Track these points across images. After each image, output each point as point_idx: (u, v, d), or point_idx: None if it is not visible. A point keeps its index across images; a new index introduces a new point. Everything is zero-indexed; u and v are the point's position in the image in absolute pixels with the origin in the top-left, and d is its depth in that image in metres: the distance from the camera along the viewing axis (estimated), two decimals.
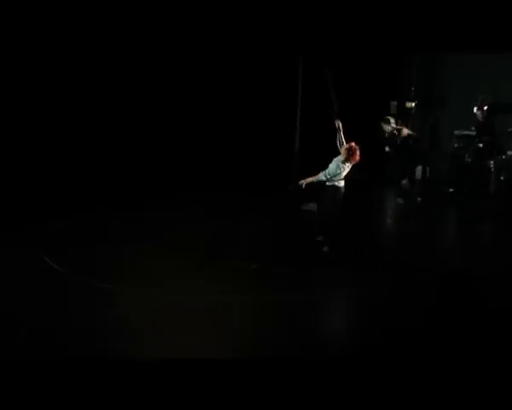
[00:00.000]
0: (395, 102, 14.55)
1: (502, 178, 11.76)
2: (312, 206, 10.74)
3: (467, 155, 12.26)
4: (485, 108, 12.19)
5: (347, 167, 8.17)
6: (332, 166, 8.16)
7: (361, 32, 12.56)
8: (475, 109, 12.20)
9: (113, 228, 9.49)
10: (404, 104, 14.35)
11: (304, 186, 8.34)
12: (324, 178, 8.17)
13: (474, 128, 12.31)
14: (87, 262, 7.73)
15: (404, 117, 14.51)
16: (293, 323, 6.17)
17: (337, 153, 8.28)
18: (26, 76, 11.49)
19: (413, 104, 14.22)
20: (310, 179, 8.28)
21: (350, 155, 8.07)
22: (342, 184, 8.21)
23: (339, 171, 8.11)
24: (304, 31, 11.92)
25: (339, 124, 8.36)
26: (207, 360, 5.01)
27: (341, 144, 8.23)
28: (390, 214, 11.99)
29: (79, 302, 6.50)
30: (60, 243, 8.58)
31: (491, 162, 11.79)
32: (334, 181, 8.14)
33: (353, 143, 8.13)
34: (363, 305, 6.68)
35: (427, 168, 13.96)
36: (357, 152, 8.07)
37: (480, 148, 12.04)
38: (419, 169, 14.06)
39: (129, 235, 9.00)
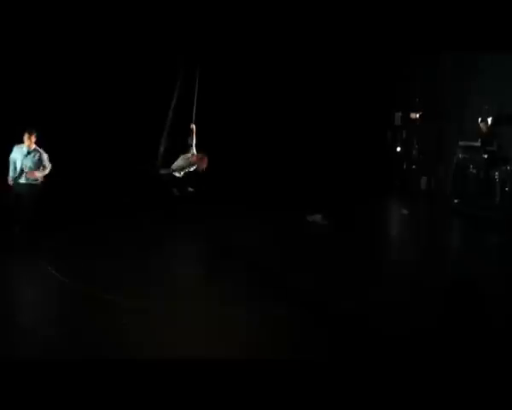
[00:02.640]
0: (400, 113, 14.62)
1: (507, 189, 11.73)
2: (317, 217, 10.79)
3: (472, 166, 12.27)
4: (490, 119, 12.22)
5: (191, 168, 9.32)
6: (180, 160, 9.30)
7: (365, 40, 12.57)
8: (480, 120, 12.22)
9: (114, 239, 9.48)
10: (409, 115, 14.40)
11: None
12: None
13: (478, 139, 12.32)
14: (90, 273, 7.74)
15: (409, 128, 14.59)
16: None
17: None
18: (24, 94, 11.50)
19: (418, 115, 14.26)
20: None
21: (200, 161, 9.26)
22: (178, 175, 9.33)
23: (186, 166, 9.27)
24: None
25: (193, 128, 9.39)
26: (207, 360, 5.02)
27: (191, 146, 9.35)
28: (394, 225, 12.01)
29: (84, 313, 6.53)
30: (62, 255, 8.59)
31: (496, 173, 11.77)
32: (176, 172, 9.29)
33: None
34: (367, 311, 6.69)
35: (432, 179, 13.98)
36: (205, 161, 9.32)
37: (484, 159, 12.04)
38: (424, 180, 14.08)
39: (130, 246, 9.01)
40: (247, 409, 4.54)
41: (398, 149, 14.73)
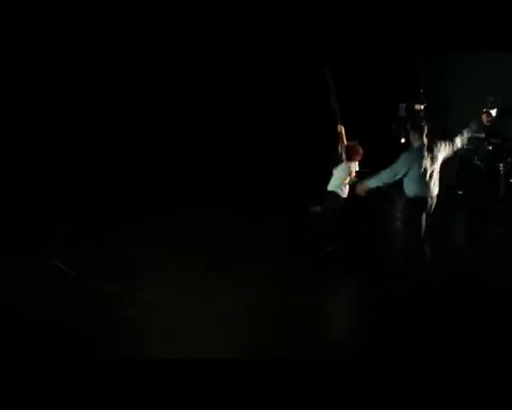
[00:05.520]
0: (404, 105, 14.56)
1: (511, 181, 11.71)
2: (319, 209, 10.76)
3: (476, 158, 12.23)
4: (495, 110, 12.17)
5: (353, 168, 8.14)
6: (338, 174, 8.10)
7: (369, 33, 12.56)
8: (484, 111, 12.18)
9: (114, 231, 9.49)
10: (413, 106, 14.35)
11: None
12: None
13: (483, 131, 12.27)
14: (92, 265, 7.77)
15: (413, 119, 14.53)
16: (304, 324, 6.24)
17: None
18: (25, 85, 11.51)
19: (422, 106, 14.20)
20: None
21: (351, 153, 8.08)
22: (345, 190, 8.15)
23: (345, 175, 8.06)
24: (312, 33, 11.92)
25: (341, 129, 8.25)
26: (208, 360, 5.05)
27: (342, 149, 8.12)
28: (397, 216, 11.97)
29: (91, 305, 6.56)
30: (62, 247, 8.61)
31: (501, 165, 11.74)
32: (338, 188, 8.11)
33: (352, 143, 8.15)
34: (371, 306, 6.70)
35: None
36: (359, 149, 8.11)
37: (489, 150, 12.00)
38: None
39: (129, 237, 9.03)
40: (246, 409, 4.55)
41: (403, 140, 14.67)
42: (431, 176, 7.34)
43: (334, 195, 8.13)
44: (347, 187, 8.13)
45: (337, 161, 8.14)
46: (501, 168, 11.72)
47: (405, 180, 7.30)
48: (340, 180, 8.09)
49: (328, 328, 6.22)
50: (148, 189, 11.41)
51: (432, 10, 11.37)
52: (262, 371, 4.90)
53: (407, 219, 7.45)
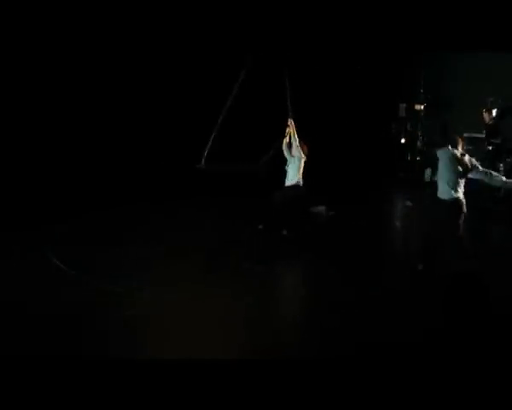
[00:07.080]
0: (404, 105, 14.58)
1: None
2: (321, 209, 10.78)
3: (476, 158, 12.22)
4: (495, 110, 12.18)
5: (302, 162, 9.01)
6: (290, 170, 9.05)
7: (369, 33, 12.57)
8: (484, 111, 12.18)
9: (114, 231, 9.49)
10: (413, 106, 14.37)
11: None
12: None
13: (483, 130, 12.28)
14: (92, 265, 7.77)
15: (413, 119, 14.55)
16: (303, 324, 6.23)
17: None
18: (25, 85, 11.52)
19: (422, 106, 14.22)
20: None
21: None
22: (301, 182, 9.03)
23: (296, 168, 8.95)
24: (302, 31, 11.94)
25: (291, 122, 9.12)
26: (207, 360, 5.05)
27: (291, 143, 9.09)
28: (397, 216, 12.00)
29: (91, 305, 6.56)
30: (63, 246, 8.61)
31: (501, 165, 11.73)
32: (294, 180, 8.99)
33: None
34: (371, 306, 6.70)
35: (436, 171, 13.93)
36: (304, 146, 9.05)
37: (489, 150, 12.01)
38: (428, 172, 14.05)
39: (129, 237, 9.04)
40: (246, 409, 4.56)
41: (403, 140, 14.70)
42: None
43: (295, 186, 9.01)
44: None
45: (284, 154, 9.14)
46: (501, 168, 11.71)
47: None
48: (295, 173, 8.97)
49: (327, 328, 6.20)
50: (148, 189, 11.42)
51: (432, 10, 11.37)
52: (261, 371, 4.91)
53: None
